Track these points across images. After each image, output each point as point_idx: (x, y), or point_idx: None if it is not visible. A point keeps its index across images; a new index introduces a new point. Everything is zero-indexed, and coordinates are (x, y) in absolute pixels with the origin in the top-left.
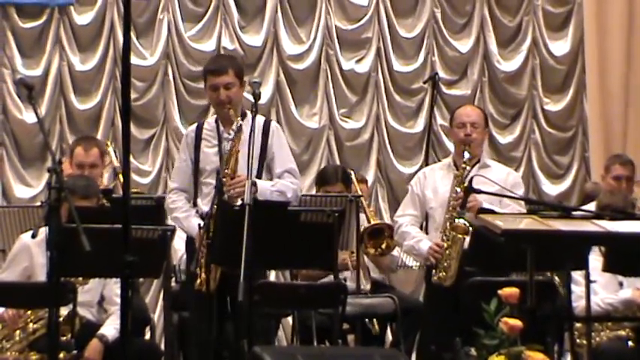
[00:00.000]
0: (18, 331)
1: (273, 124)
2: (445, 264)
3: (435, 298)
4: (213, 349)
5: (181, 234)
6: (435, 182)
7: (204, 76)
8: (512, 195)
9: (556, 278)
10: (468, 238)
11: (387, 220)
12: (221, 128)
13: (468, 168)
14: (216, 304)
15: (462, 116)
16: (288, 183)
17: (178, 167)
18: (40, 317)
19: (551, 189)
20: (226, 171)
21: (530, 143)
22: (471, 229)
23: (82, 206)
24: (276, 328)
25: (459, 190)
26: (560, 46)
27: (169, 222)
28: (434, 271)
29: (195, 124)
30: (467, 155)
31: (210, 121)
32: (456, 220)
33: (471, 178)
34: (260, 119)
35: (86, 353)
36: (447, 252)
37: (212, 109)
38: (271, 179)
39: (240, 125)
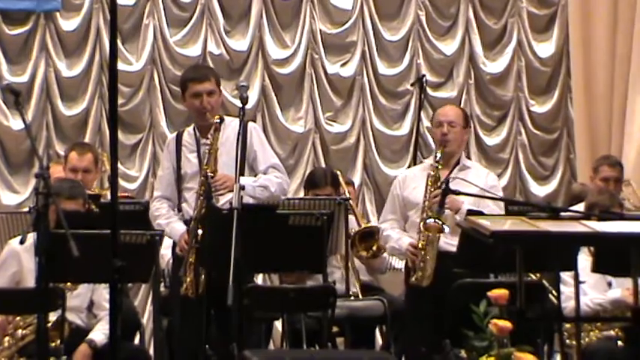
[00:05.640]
0: (7, 337)
1: (251, 124)
2: (421, 264)
3: (415, 298)
4: (202, 353)
5: (168, 239)
6: (415, 184)
7: (184, 85)
8: (495, 196)
9: (544, 282)
10: (442, 237)
11: (374, 222)
12: (198, 134)
13: (440, 167)
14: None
15: (439, 115)
16: (271, 177)
17: (161, 176)
18: (28, 323)
19: (539, 190)
20: (207, 170)
21: (516, 145)
22: (445, 227)
23: (70, 211)
24: (269, 332)
25: (432, 189)
26: (545, 48)
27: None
28: (411, 272)
29: (175, 134)
30: (439, 155)
31: (190, 129)
32: (428, 221)
33: (448, 179)
34: (237, 122)
35: (74, 358)
36: (423, 252)
37: None
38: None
39: (217, 123)
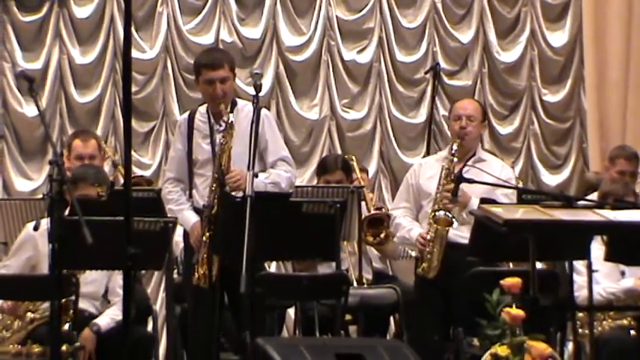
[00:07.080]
0: (16, 321)
1: (264, 111)
2: (428, 256)
3: (424, 289)
4: (215, 342)
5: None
6: (430, 174)
7: (198, 70)
8: (507, 185)
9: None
10: (451, 230)
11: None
12: (212, 121)
13: (456, 160)
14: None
15: (458, 109)
16: (281, 172)
17: (173, 157)
18: (37, 307)
19: (550, 179)
20: (221, 162)
21: (529, 134)
22: (454, 221)
23: (84, 199)
24: (281, 319)
25: (445, 182)
26: (558, 37)
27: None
28: (418, 262)
29: (187, 113)
30: (455, 147)
31: (202, 110)
32: (438, 213)
33: (462, 167)
34: (250, 106)
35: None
36: (431, 244)
37: None
38: (264, 168)
39: (232, 122)
